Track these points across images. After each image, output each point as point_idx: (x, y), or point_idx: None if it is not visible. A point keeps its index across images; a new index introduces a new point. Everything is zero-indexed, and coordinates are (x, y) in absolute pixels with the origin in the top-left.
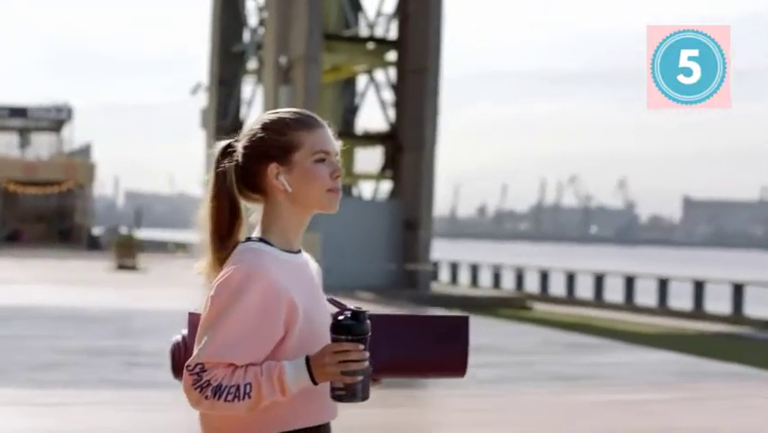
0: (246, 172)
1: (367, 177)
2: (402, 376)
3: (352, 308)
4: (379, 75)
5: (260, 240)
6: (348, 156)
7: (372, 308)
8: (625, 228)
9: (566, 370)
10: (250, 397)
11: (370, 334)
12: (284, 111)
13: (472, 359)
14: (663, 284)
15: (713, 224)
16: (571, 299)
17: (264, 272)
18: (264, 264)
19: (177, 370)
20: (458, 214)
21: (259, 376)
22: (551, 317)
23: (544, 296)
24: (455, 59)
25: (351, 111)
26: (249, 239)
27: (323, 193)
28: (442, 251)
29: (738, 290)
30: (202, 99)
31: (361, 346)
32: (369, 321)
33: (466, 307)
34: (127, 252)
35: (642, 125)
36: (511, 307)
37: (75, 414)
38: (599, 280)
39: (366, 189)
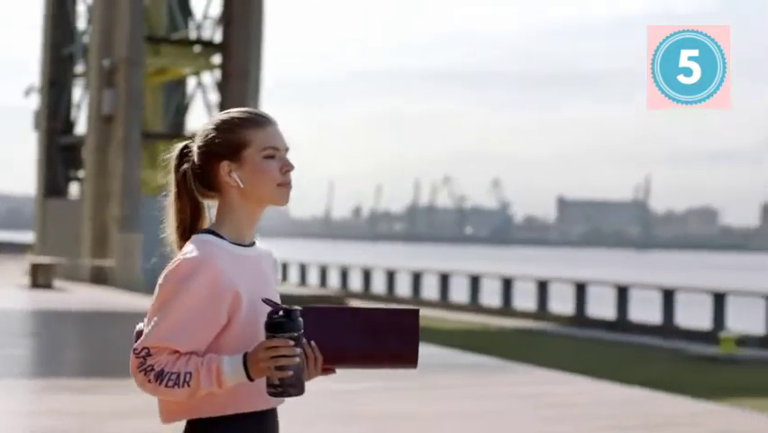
0: (201, 171)
1: None
2: (355, 366)
3: (284, 306)
4: (207, 77)
5: (211, 232)
6: None
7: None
8: (500, 228)
9: None
10: (189, 385)
11: (302, 331)
12: (235, 111)
13: None
14: (507, 283)
15: (588, 223)
16: (391, 296)
17: (210, 263)
18: (211, 255)
19: None
20: (333, 215)
21: (199, 367)
22: None
23: (366, 294)
24: (326, 59)
25: (180, 112)
26: (200, 232)
27: (273, 188)
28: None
29: (543, 288)
30: (35, 101)
31: (292, 343)
32: (301, 319)
33: (288, 304)
34: None
35: (515, 126)
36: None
37: None
38: (417, 279)
39: None
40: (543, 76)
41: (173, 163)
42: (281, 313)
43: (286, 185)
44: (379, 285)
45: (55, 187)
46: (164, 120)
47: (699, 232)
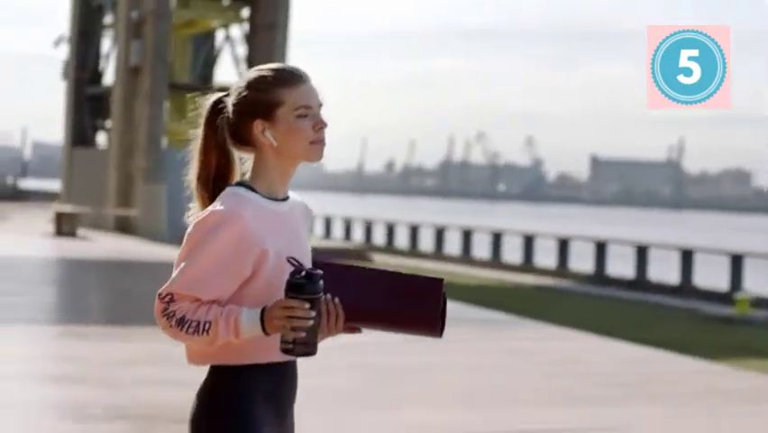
0: (236, 128)
1: None
2: (377, 327)
3: (307, 269)
4: (236, 30)
5: (245, 186)
6: None
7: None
8: (532, 186)
9: None
10: (208, 334)
11: (321, 294)
12: (267, 68)
13: None
14: (529, 241)
15: (621, 183)
16: (413, 251)
17: (239, 216)
18: (240, 208)
19: None
20: (365, 169)
21: (218, 317)
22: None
23: (389, 248)
24: (361, 17)
25: (209, 65)
26: (235, 184)
27: (306, 145)
28: (340, 205)
29: (564, 246)
30: (64, 51)
31: (308, 306)
32: (321, 282)
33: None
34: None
35: (550, 84)
36: (354, 258)
37: None
38: (440, 234)
39: None
40: (579, 33)
41: (205, 116)
42: (303, 274)
43: (319, 142)
44: (402, 240)
45: (83, 136)
46: (192, 72)
47: (733, 193)
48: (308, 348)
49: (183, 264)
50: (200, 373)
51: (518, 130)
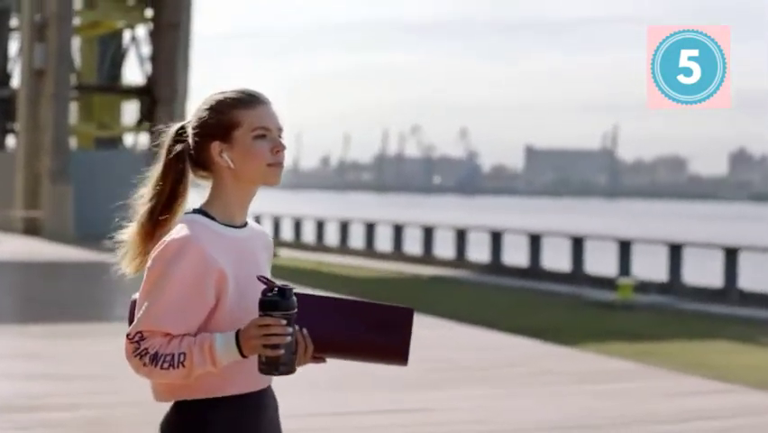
0: (195, 151)
1: (129, 129)
2: (344, 357)
3: (279, 285)
4: (141, 30)
5: (201, 212)
6: (115, 109)
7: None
8: (467, 178)
9: None
10: (183, 366)
11: (295, 311)
12: (229, 90)
13: None
14: (428, 232)
15: (556, 173)
16: (320, 246)
17: (194, 243)
18: (195, 236)
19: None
20: (301, 165)
21: (192, 346)
22: (286, 263)
23: (297, 243)
24: (299, 10)
25: (116, 65)
26: (191, 211)
27: (263, 168)
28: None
29: (461, 236)
30: None
31: (284, 322)
32: (294, 298)
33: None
34: None
35: (483, 75)
36: None
37: None
38: (345, 228)
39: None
40: (512, 24)
41: (167, 143)
42: (275, 291)
43: (277, 165)
44: (308, 235)
45: None
46: (99, 72)
47: (668, 181)
48: (287, 367)
49: (147, 302)
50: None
51: (453, 122)
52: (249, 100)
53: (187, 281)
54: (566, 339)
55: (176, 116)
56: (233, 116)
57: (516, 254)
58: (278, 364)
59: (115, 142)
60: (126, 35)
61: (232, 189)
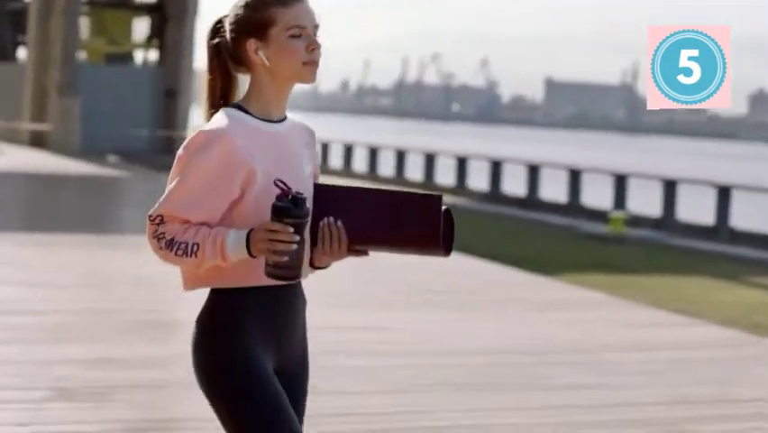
0: (232, 47)
1: (139, 46)
2: (380, 249)
3: (293, 192)
4: None
5: (237, 107)
6: (126, 25)
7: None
8: (486, 107)
9: None
10: (195, 256)
11: (307, 219)
12: None
13: None
14: (430, 159)
15: (576, 106)
16: (323, 168)
17: (226, 135)
18: (228, 129)
19: None
20: (320, 89)
21: (206, 238)
22: None
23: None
24: None
25: None
26: (229, 106)
27: (299, 66)
28: None
29: (462, 165)
30: None
31: (292, 230)
32: (308, 207)
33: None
34: None
35: (504, 5)
36: None
37: None
38: (348, 151)
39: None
40: None
41: (207, 38)
42: (288, 198)
43: (312, 63)
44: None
45: (3, 52)
46: None
47: (688, 119)
48: (290, 272)
49: (172, 186)
50: None
51: (473, 52)
52: None
53: (211, 172)
54: (547, 269)
55: (186, 34)
56: (269, 14)
57: (516, 184)
58: (281, 268)
59: (126, 58)
60: None
61: (267, 86)
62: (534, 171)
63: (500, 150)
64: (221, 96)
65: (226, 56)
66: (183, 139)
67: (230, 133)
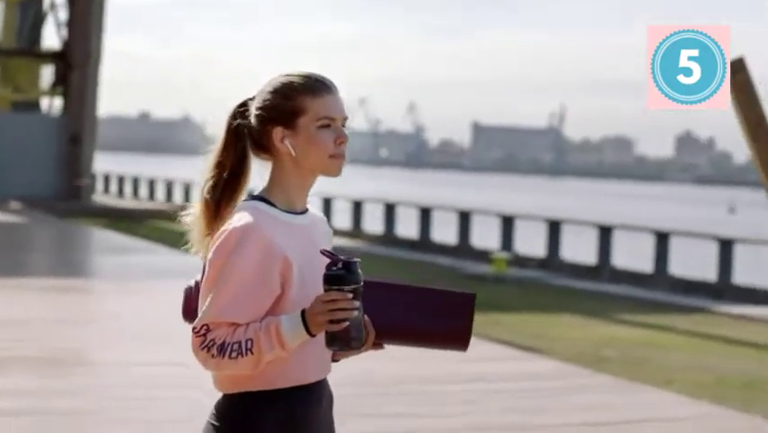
0: (256, 132)
1: (45, 93)
2: (404, 344)
3: (343, 258)
4: None
5: (261, 199)
6: (33, 72)
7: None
8: (414, 152)
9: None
10: (252, 352)
11: (362, 284)
12: (295, 74)
13: None
14: (327, 203)
15: (503, 150)
16: None
17: (259, 231)
18: (259, 223)
19: (187, 313)
20: None
21: (258, 332)
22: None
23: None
24: None
25: (36, 29)
26: (251, 197)
27: (325, 158)
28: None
29: (358, 208)
30: None
31: (350, 295)
32: (360, 271)
33: (121, 217)
34: None
35: (431, 50)
36: (161, 218)
37: None
38: None
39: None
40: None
41: (227, 119)
42: (340, 265)
43: (338, 156)
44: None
45: None
46: (19, 36)
47: (615, 161)
48: (357, 342)
49: (211, 294)
50: None
51: (400, 97)
52: (316, 87)
53: (250, 270)
54: None
55: (89, 81)
56: (299, 103)
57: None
58: (348, 339)
59: (32, 105)
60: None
61: (292, 176)
62: (425, 214)
63: (408, 193)
64: (228, 177)
65: (247, 140)
66: (87, 185)
67: (263, 228)
